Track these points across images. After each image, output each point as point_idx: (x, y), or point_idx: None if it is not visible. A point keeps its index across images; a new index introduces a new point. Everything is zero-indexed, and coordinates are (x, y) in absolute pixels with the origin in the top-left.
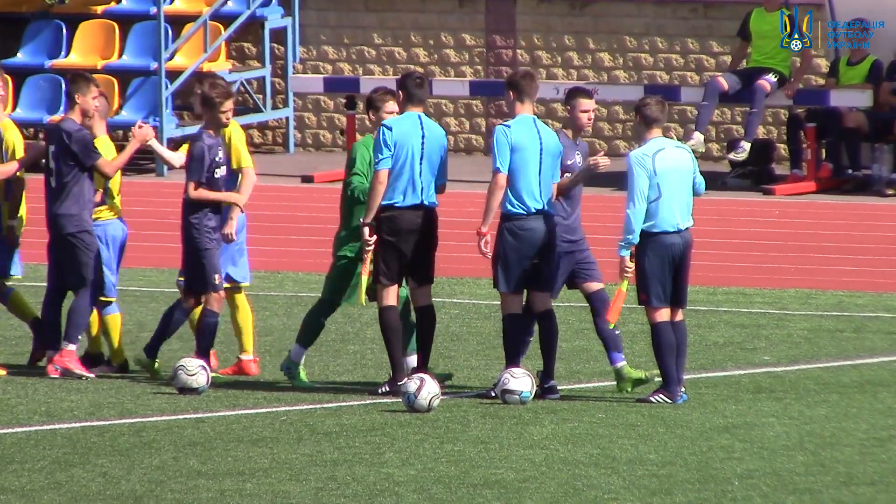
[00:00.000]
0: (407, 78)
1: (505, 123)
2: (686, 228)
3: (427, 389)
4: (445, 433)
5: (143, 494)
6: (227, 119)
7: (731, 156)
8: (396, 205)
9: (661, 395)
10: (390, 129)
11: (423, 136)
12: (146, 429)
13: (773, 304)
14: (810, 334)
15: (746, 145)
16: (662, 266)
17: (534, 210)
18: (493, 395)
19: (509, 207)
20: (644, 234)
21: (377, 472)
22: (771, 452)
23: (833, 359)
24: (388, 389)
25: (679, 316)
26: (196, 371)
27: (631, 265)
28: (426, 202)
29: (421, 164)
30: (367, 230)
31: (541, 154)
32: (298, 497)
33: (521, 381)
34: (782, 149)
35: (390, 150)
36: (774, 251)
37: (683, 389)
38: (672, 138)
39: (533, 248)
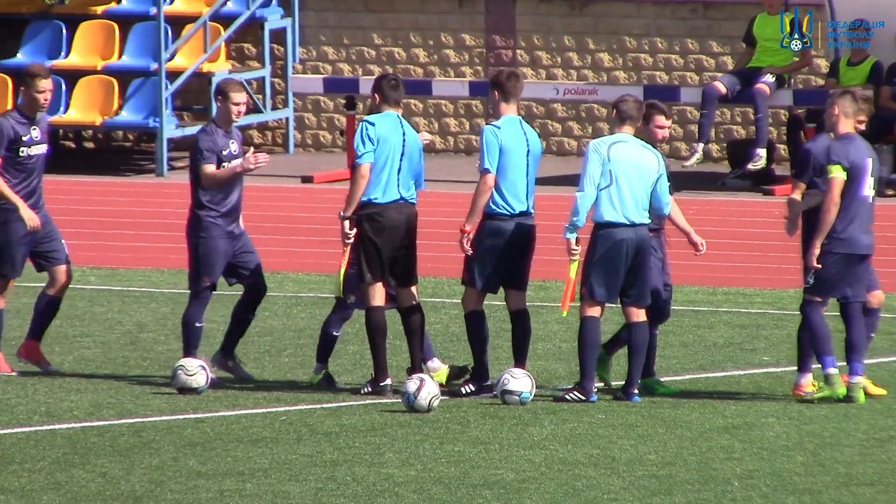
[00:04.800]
0: (382, 80)
1: (494, 124)
2: (641, 224)
3: (427, 390)
4: (445, 434)
5: (142, 495)
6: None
7: (750, 166)
8: (376, 200)
9: (575, 393)
10: (373, 124)
11: (403, 134)
12: (146, 429)
13: (773, 304)
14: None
15: (762, 152)
16: (611, 260)
17: (517, 211)
18: (464, 392)
19: (493, 207)
20: (594, 225)
21: (377, 473)
22: (771, 453)
23: None
24: (370, 390)
25: (642, 316)
26: (195, 371)
27: (577, 248)
28: (407, 199)
29: (401, 160)
30: (346, 223)
31: (527, 156)
32: (298, 497)
33: (520, 381)
34: (782, 149)
35: (373, 145)
36: (774, 251)
37: (636, 391)
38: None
39: (512, 247)
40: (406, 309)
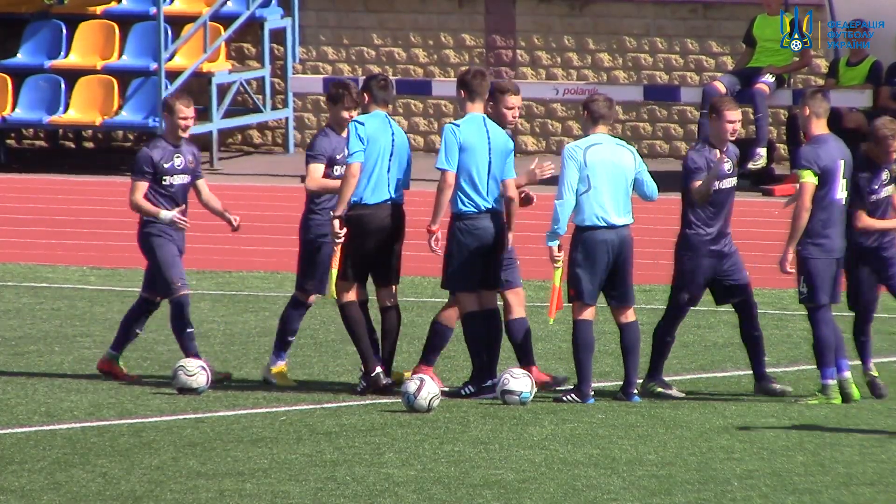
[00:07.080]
0: (371, 80)
1: (454, 122)
2: (623, 225)
3: (427, 390)
4: (445, 434)
5: (142, 495)
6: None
7: (750, 165)
8: (365, 201)
9: (572, 395)
10: (363, 124)
11: (392, 134)
12: (146, 429)
13: (773, 304)
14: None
15: (762, 151)
16: (594, 262)
17: (484, 209)
18: (463, 393)
19: (460, 206)
20: (575, 228)
21: (377, 473)
22: (771, 453)
23: None
24: (364, 385)
25: (631, 317)
26: (195, 371)
27: (559, 255)
28: (395, 199)
29: (390, 161)
30: (336, 223)
31: (490, 153)
32: (298, 497)
33: (520, 381)
34: (782, 149)
35: (363, 145)
36: (774, 251)
37: (636, 391)
38: (616, 136)
39: (484, 246)
40: (384, 308)
